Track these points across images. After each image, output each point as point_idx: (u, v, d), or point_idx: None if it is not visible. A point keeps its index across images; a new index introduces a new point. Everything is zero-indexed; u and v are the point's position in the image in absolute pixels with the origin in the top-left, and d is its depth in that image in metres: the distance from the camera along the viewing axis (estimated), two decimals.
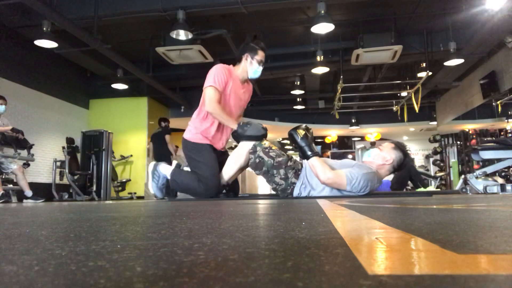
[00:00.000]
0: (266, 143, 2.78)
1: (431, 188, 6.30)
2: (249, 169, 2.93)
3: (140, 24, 6.01)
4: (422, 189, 5.44)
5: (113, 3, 5.23)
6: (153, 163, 3.00)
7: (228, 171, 2.86)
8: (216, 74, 2.80)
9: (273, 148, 2.76)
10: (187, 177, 2.82)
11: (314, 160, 2.62)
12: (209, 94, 2.77)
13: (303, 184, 2.71)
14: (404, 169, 5.81)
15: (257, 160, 2.72)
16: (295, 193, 2.73)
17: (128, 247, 0.43)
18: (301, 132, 2.70)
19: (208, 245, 0.43)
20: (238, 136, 2.79)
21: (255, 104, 10.41)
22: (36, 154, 5.69)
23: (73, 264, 0.34)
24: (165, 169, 2.90)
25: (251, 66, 2.94)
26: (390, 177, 5.98)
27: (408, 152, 2.85)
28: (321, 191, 2.69)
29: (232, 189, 3.03)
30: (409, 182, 6.01)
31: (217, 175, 2.83)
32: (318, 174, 2.59)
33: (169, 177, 2.87)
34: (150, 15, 5.26)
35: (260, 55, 2.95)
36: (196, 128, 2.91)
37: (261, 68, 2.99)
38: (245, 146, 2.80)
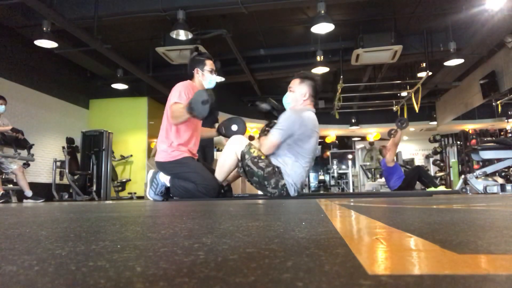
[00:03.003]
0: (255, 150, 2.74)
1: (442, 188, 6.31)
2: None
3: (140, 24, 6.00)
4: (432, 189, 5.45)
5: (113, 3, 5.23)
6: (152, 171, 3.00)
7: (218, 172, 2.87)
8: (181, 91, 2.82)
9: (262, 157, 2.71)
10: (186, 183, 2.82)
11: (268, 137, 2.72)
12: (172, 109, 2.77)
13: (290, 178, 2.70)
14: (414, 169, 5.80)
15: (247, 168, 2.71)
16: (292, 192, 2.71)
17: (128, 247, 0.43)
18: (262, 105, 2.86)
19: (208, 245, 0.43)
20: (196, 117, 2.75)
21: (255, 104, 10.41)
22: (36, 154, 5.69)
23: (73, 264, 0.34)
24: (165, 177, 2.90)
25: (204, 78, 3.00)
26: (397, 181, 5.97)
27: (311, 74, 2.91)
28: (297, 168, 2.70)
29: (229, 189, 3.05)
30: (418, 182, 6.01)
31: (212, 176, 2.84)
32: (263, 150, 2.70)
33: (168, 185, 2.88)
34: (150, 15, 5.26)
35: (209, 64, 3.00)
36: (171, 146, 2.87)
37: (214, 76, 3.02)
38: (232, 147, 2.79)
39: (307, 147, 2.70)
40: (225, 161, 2.83)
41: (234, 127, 3.01)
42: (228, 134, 3.03)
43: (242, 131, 3.04)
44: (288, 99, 2.83)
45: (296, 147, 2.68)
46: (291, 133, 2.63)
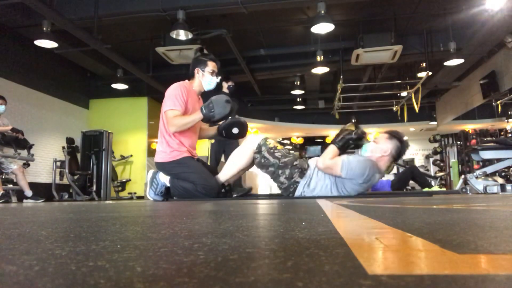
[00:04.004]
0: (271, 142, 2.78)
1: (436, 188, 6.30)
2: (251, 169, 2.95)
3: (140, 24, 6.00)
4: (427, 189, 5.45)
5: (113, 3, 5.23)
6: (152, 171, 3.00)
7: (227, 171, 2.86)
8: (176, 96, 2.81)
9: (278, 148, 2.77)
10: (186, 183, 2.82)
11: (330, 147, 2.71)
12: (169, 117, 2.78)
13: (307, 183, 2.71)
14: (408, 169, 5.79)
15: (262, 160, 2.74)
16: (298, 192, 2.72)
17: (128, 247, 0.43)
18: (348, 128, 2.79)
19: (208, 245, 0.43)
20: (209, 120, 2.77)
21: (255, 104, 10.42)
22: (36, 154, 5.69)
23: (73, 264, 0.34)
24: (164, 177, 2.90)
25: (204, 79, 2.99)
26: (391, 176, 5.98)
27: (404, 138, 2.80)
28: (323, 189, 2.69)
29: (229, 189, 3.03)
30: (412, 182, 6.01)
31: (211, 176, 2.83)
32: (320, 159, 2.68)
33: (168, 185, 2.87)
34: (150, 15, 5.26)
35: (211, 65, 2.99)
36: (170, 147, 2.87)
37: (214, 78, 3.01)
38: (248, 146, 2.80)
39: (349, 189, 2.69)
40: (237, 161, 2.82)
41: (235, 130, 2.92)
42: (228, 137, 2.98)
43: (243, 134, 2.96)
44: (368, 147, 2.76)
45: (342, 182, 2.67)
46: (352, 177, 2.61)
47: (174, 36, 5.14)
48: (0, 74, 5.94)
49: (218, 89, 4.80)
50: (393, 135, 2.77)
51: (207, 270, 0.30)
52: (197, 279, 0.27)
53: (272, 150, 2.74)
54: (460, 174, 10.19)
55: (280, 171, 2.71)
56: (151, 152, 7.82)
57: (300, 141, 13.82)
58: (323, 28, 4.97)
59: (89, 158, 7.10)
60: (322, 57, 6.47)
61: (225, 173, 2.86)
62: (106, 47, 5.69)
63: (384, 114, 10.84)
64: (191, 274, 0.29)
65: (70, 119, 7.66)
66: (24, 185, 5.04)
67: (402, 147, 2.74)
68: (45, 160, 6.78)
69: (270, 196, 3.12)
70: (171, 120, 2.77)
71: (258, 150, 2.76)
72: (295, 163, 2.73)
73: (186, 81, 3.01)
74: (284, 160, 2.71)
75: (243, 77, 7.72)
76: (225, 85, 4.94)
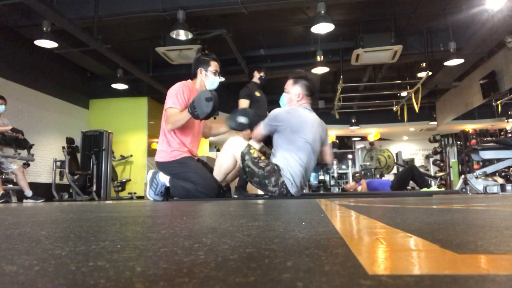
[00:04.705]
0: (255, 151, 2.75)
1: (434, 188, 6.32)
2: None
3: (140, 24, 6.01)
4: (425, 189, 5.46)
5: (113, 3, 5.23)
6: (152, 171, 2.99)
7: (216, 173, 2.87)
8: (177, 94, 2.83)
9: (262, 158, 2.74)
10: (186, 183, 2.82)
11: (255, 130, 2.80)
12: (167, 115, 2.80)
13: (288, 173, 2.69)
14: (408, 168, 5.83)
15: (247, 169, 2.73)
16: (291, 189, 2.71)
17: (128, 247, 0.43)
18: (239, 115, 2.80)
19: (208, 245, 0.43)
20: (197, 117, 2.70)
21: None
22: (36, 154, 5.69)
23: (73, 264, 0.34)
24: (164, 177, 2.90)
25: (207, 78, 3.00)
26: (391, 177, 6.01)
27: (305, 73, 2.87)
28: (288, 159, 2.70)
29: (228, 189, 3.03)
30: (411, 182, 6.04)
31: (211, 176, 2.84)
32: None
33: (168, 185, 2.87)
34: (150, 15, 5.27)
35: (213, 65, 3.00)
36: (170, 146, 2.87)
37: (217, 78, 3.00)
38: (231, 153, 2.80)
39: (298, 142, 2.69)
40: (222, 163, 2.85)
41: (242, 119, 2.85)
42: (241, 128, 2.93)
43: (253, 123, 2.93)
44: (283, 100, 2.87)
45: (287, 142, 2.69)
46: (276, 125, 2.68)
47: (174, 36, 5.15)
48: (0, 74, 5.94)
49: (249, 79, 4.73)
50: (297, 77, 2.82)
51: (207, 270, 0.30)
52: (197, 279, 0.27)
53: (256, 160, 2.71)
54: (460, 174, 10.19)
55: (266, 181, 2.70)
56: (151, 152, 7.82)
57: None
58: (323, 28, 4.97)
59: (89, 158, 7.11)
60: (322, 57, 6.47)
61: (216, 175, 2.87)
62: (106, 47, 5.69)
63: (384, 114, 10.84)
64: (191, 274, 0.29)
65: (70, 119, 7.66)
66: (24, 185, 5.04)
67: (310, 83, 2.81)
68: (45, 160, 6.78)
69: (270, 197, 3.11)
70: (168, 118, 2.80)
71: (242, 159, 2.74)
72: (275, 167, 2.72)
73: (189, 80, 3.02)
74: (268, 169, 2.69)
75: (243, 77, 7.72)
76: (256, 75, 4.72)
